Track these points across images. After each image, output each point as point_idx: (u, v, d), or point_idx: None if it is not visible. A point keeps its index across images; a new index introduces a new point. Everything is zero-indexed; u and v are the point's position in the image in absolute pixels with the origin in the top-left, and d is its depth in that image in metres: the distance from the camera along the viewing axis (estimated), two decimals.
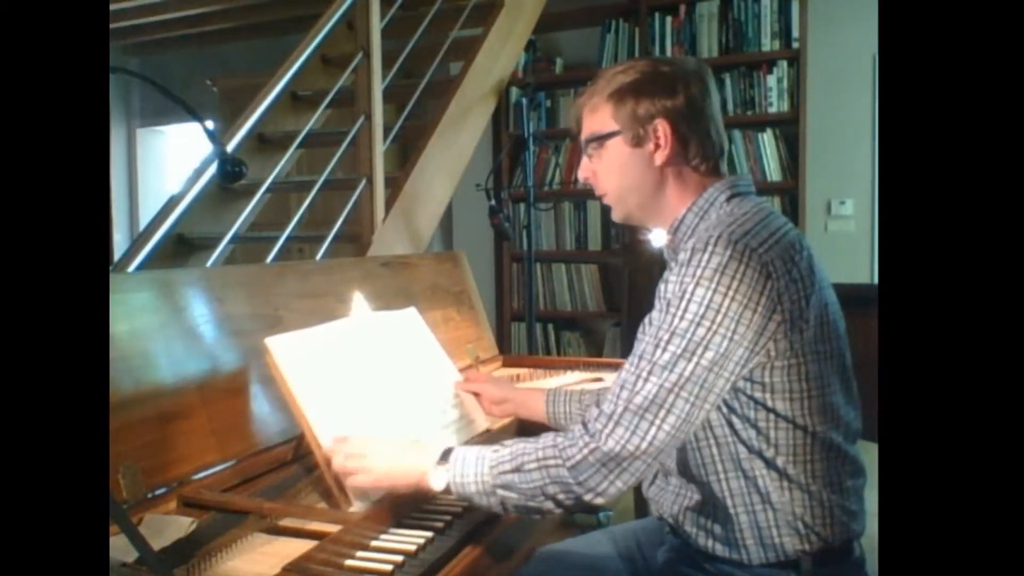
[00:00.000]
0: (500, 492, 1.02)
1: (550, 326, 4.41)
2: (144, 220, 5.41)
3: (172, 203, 2.16)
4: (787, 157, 3.78)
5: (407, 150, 3.15)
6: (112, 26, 4.60)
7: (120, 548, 0.85)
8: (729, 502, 1.08)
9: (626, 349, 3.90)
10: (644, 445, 0.97)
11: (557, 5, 3.80)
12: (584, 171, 1.24)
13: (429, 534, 1.03)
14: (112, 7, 4.35)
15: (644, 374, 1.00)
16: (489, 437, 1.41)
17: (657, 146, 1.15)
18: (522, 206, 3.89)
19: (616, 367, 2.05)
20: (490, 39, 3.11)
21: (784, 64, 3.81)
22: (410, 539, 1.02)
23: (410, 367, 1.45)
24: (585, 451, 0.98)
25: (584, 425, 1.01)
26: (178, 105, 1.35)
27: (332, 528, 1.01)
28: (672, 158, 1.15)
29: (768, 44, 3.87)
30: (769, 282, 1.00)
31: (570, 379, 1.97)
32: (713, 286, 0.99)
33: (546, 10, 3.58)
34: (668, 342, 1.00)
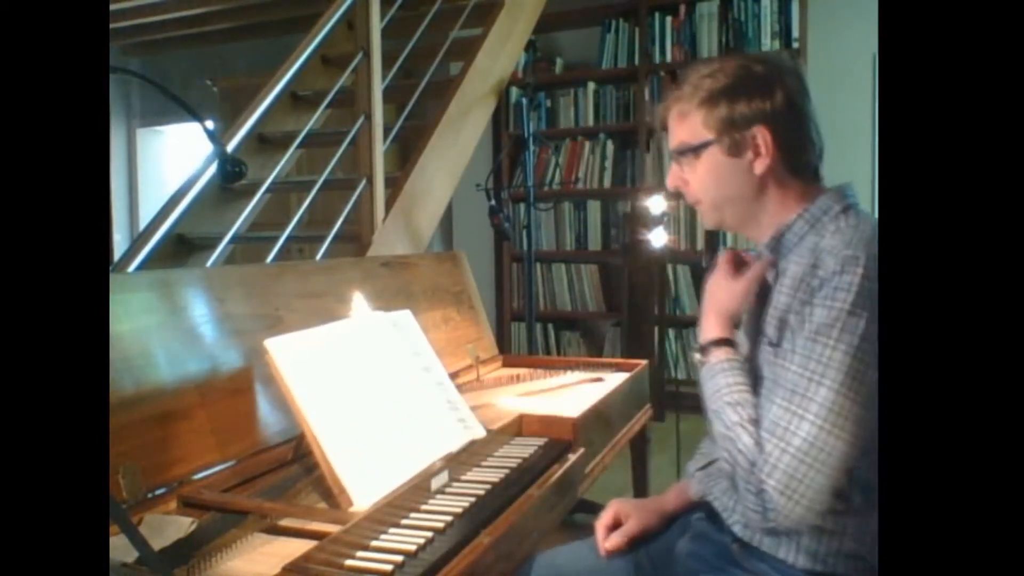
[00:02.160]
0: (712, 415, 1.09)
1: (550, 326, 4.41)
2: (144, 220, 5.41)
3: (172, 203, 2.16)
4: None
5: (407, 150, 3.15)
6: (112, 26, 4.60)
7: (120, 548, 0.85)
8: None
9: (626, 349, 3.92)
10: (809, 496, 0.97)
11: (557, 5, 3.81)
12: (674, 179, 1.18)
13: (429, 534, 1.03)
14: (112, 7, 4.35)
15: (800, 411, 0.98)
16: (490, 438, 1.41)
17: (756, 154, 1.09)
18: (522, 206, 3.89)
19: (616, 367, 2.06)
20: (490, 39, 3.11)
21: None
22: (410, 539, 1.02)
23: (408, 368, 1.45)
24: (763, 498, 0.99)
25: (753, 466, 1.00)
26: (178, 105, 1.35)
27: (332, 528, 1.01)
28: (773, 166, 1.10)
29: (768, 44, 3.87)
30: None
31: (570, 379, 1.97)
32: (867, 314, 0.96)
33: (546, 10, 3.58)
34: (823, 376, 0.97)
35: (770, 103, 1.08)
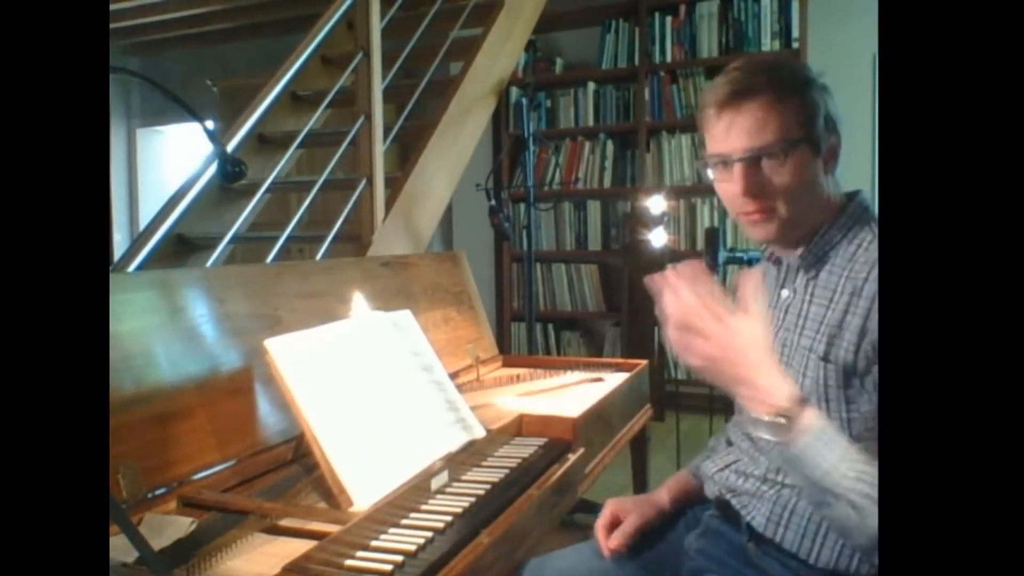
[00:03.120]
0: (833, 499, 0.87)
1: (550, 326, 4.41)
2: (144, 220, 5.41)
3: (172, 203, 2.16)
4: None
5: (407, 150, 3.15)
6: (112, 26, 4.60)
7: (120, 548, 0.85)
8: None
9: (626, 349, 3.91)
10: None
11: (557, 5, 3.81)
12: (751, 183, 1.04)
13: (429, 534, 1.03)
14: (112, 7, 4.35)
15: None
16: (490, 438, 1.41)
17: (832, 157, 1.08)
18: (522, 206, 3.90)
19: (616, 367, 2.06)
20: (490, 39, 3.11)
21: None
22: (410, 539, 1.02)
23: (407, 368, 1.45)
24: None
25: None
26: (178, 105, 1.35)
27: (332, 528, 1.01)
28: (828, 171, 1.08)
29: (768, 44, 3.87)
30: None
31: (570, 379, 1.97)
32: None
33: (546, 10, 3.58)
34: None
35: (831, 99, 1.08)
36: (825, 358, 1.02)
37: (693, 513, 1.27)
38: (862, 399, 1.01)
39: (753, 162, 1.05)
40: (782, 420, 0.88)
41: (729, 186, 1.08)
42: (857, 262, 1.04)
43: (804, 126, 1.05)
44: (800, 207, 1.07)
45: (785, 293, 1.15)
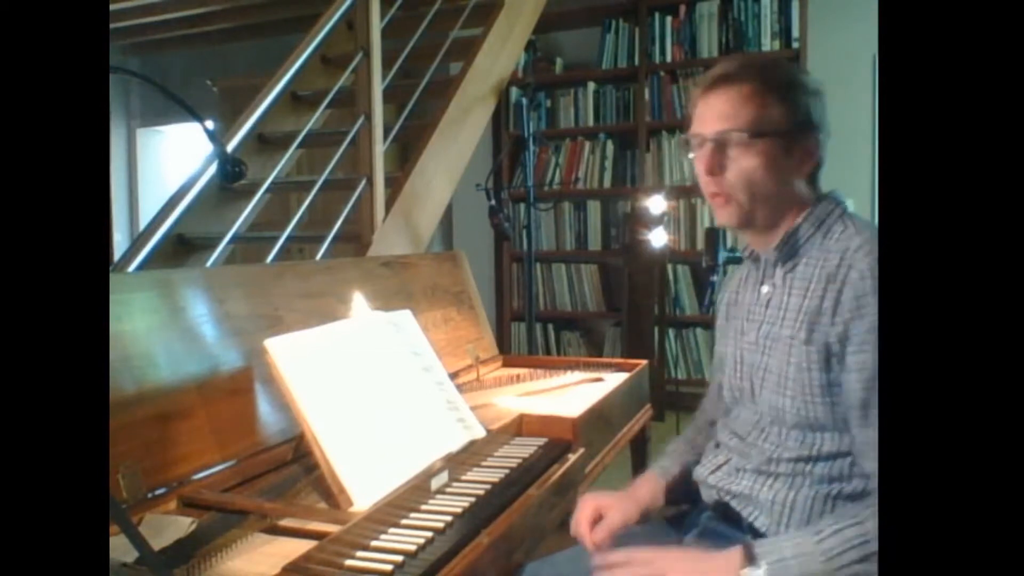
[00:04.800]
0: None
1: (550, 326, 4.41)
2: (144, 220, 5.41)
3: (172, 203, 2.17)
4: None
5: (407, 150, 3.15)
6: (112, 26, 4.60)
7: (120, 548, 0.85)
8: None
9: (626, 349, 3.91)
10: None
11: (557, 5, 3.81)
12: (710, 162, 1.10)
13: (429, 534, 1.03)
14: (112, 7, 4.35)
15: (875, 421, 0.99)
16: (490, 438, 1.41)
17: (807, 158, 1.11)
18: (522, 206, 3.89)
19: (616, 367, 2.06)
20: (490, 39, 3.11)
21: None
22: (410, 539, 1.02)
23: (408, 368, 1.45)
24: None
25: None
26: (178, 105, 1.35)
27: (332, 528, 1.01)
28: (807, 171, 1.12)
29: (768, 44, 3.87)
30: None
31: (570, 379, 1.97)
32: None
33: (546, 10, 3.58)
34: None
35: (821, 108, 1.11)
36: (807, 342, 1.06)
37: (690, 517, 1.26)
38: (842, 382, 1.04)
39: (721, 144, 1.10)
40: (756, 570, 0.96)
41: (699, 164, 1.14)
42: (831, 252, 1.08)
43: (777, 122, 1.08)
44: (759, 198, 1.11)
45: (765, 288, 1.18)
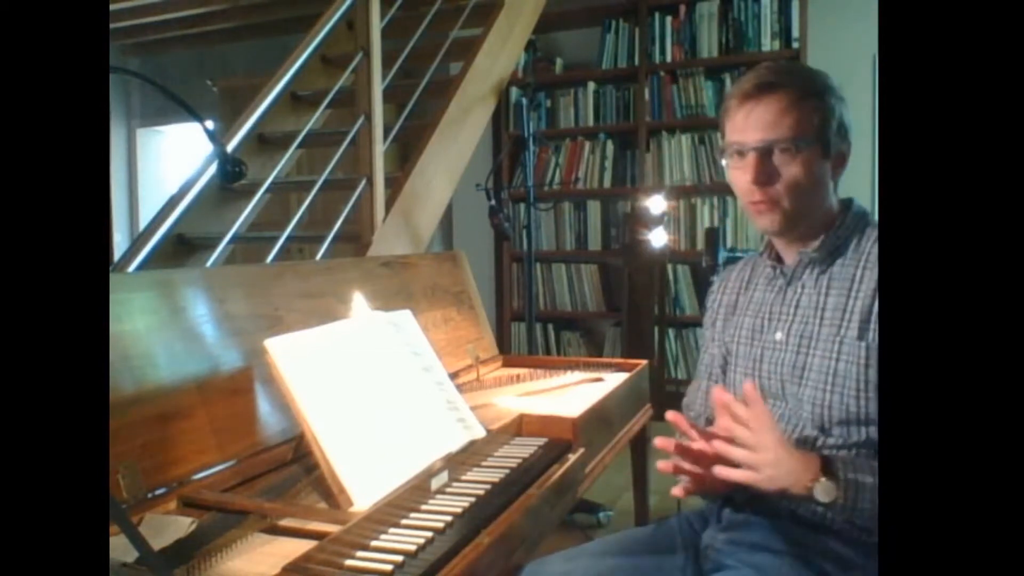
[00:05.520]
0: None
1: (550, 326, 4.41)
2: (144, 220, 5.41)
3: (172, 203, 2.17)
4: None
5: (407, 150, 3.15)
6: (112, 26, 4.60)
7: (120, 548, 0.85)
8: None
9: (626, 349, 3.91)
10: None
11: (557, 5, 3.81)
12: (761, 173, 1.11)
13: (429, 534, 1.03)
14: (112, 7, 4.35)
15: None
16: (490, 438, 1.41)
17: (840, 164, 1.16)
18: (522, 206, 3.89)
19: (616, 367, 2.06)
20: (490, 39, 3.11)
21: None
22: (410, 539, 1.02)
23: (408, 368, 1.45)
24: None
25: None
26: (178, 105, 1.35)
27: (332, 528, 1.01)
28: (836, 176, 1.16)
29: (768, 44, 3.87)
30: None
31: (570, 379, 1.97)
32: None
33: (546, 10, 3.58)
34: None
35: (848, 111, 1.15)
36: (860, 338, 1.08)
37: (711, 511, 1.24)
38: None
39: (766, 153, 1.12)
40: (822, 482, 0.98)
41: (741, 174, 1.15)
42: (872, 254, 1.12)
43: (818, 128, 1.12)
44: (803, 203, 1.13)
45: (793, 289, 1.20)
